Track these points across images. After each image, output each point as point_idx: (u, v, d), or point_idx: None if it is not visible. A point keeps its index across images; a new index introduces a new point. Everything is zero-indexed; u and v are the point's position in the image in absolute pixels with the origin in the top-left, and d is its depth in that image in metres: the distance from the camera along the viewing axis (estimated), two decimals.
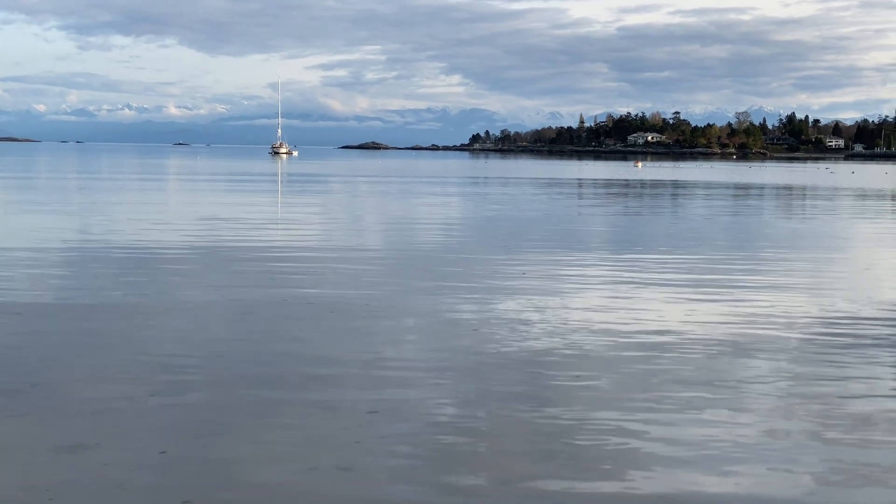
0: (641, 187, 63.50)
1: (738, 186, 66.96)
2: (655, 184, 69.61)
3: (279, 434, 7.97)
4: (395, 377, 9.87)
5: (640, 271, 18.46)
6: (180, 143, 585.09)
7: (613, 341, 11.78)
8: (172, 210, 34.43)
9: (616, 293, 15.67)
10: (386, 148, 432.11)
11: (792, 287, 16.84)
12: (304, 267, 18.33)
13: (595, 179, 77.46)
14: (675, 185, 68.21)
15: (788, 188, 66.63)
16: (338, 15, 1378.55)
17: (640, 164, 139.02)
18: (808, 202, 48.75)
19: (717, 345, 11.71)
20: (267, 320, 12.83)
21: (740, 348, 11.54)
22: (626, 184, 68.73)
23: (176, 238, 23.50)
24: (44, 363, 10.26)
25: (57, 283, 15.97)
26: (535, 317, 13.32)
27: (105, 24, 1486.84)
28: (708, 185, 67.39)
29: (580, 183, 70.21)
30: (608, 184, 68.59)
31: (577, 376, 10.04)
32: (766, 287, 16.70)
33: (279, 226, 28.65)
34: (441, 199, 46.53)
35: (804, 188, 66.48)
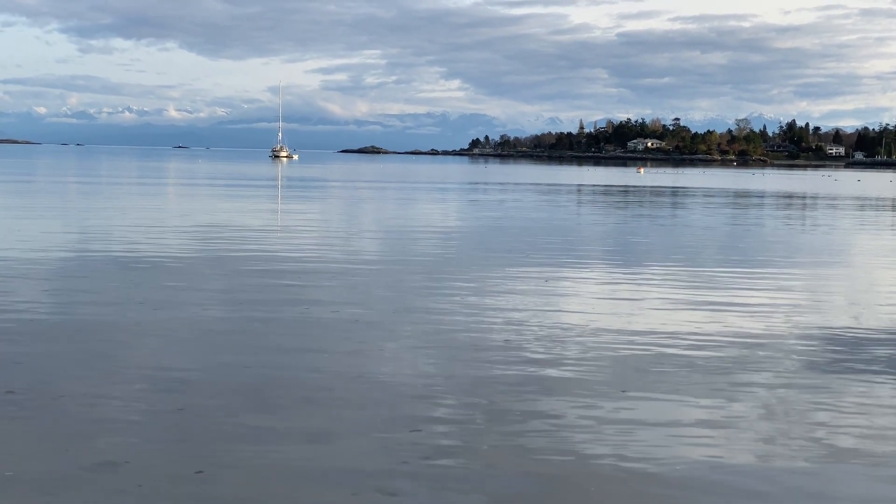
0: (651, 194, 63.29)
1: (749, 194, 66.75)
2: (664, 191, 69.42)
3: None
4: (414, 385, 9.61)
5: (663, 283, 18.20)
6: (180, 147, 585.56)
7: (617, 346, 11.53)
8: (172, 215, 34.16)
9: (635, 301, 15.42)
10: (385, 152, 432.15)
11: (819, 299, 16.60)
12: (311, 275, 18.08)
13: (600, 185, 77.23)
14: (686, 192, 68.00)
15: (807, 196, 66.42)
16: (338, 19, 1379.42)
17: (642, 170, 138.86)
18: (825, 212, 48.50)
19: (740, 360, 11.46)
20: (283, 331, 12.57)
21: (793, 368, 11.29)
22: (634, 190, 68.48)
23: (175, 244, 23.28)
24: (57, 374, 9.99)
25: (57, 292, 15.70)
26: (569, 327, 13.07)
27: (106, 27, 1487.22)
28: (722, 193, 67.17)
29: (586, 189, 69.97)
30: (614, 190, 68.35)
31: (624, 392, 9.78)
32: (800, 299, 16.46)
33: (282, 232, 28.37)
34: (445, 204, 46.33)
35: (816, 196, 66.25)
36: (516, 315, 14.03)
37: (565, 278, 18.46)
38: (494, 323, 13.37)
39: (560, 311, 14.58)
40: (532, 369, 10.65)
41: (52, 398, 9.11)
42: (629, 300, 15.81)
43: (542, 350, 11.66)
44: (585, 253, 23.56)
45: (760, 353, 11.85)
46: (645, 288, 17.27)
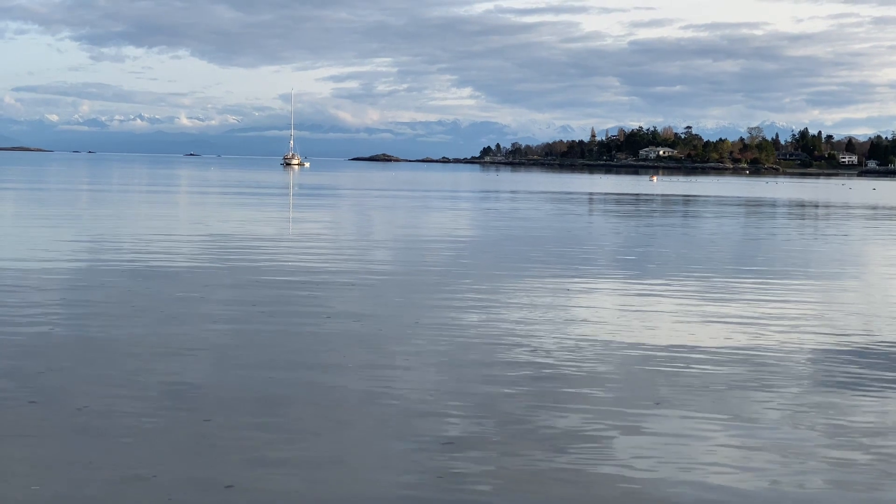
0: (666, 203, 63.02)
1: (766, 203, 66.41)
2: (679, 199, 69.14)
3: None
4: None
5: (683, 293, 18.00)
6: (191, 154, 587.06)
7: (628, 357, 11.35)
8: (186, 223, 34.09)
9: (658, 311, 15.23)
10: (396, 160, 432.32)
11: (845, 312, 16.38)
12: (327, 286, 17.94)
13: (614, 194, 76.93)
14: (701, 200, 67.70)
15: (825, 205, 66.08)
16: (349, 27, 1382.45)
17: (655, 179, 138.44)
18: (845, 221, 48.19)
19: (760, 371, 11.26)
20: (300, 343, 12.42)
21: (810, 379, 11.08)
22: (650, 199, 68.21)
23: (190, 253, 23.21)
24: (78, 386, 9.86)
25: (74, 303, 15.59)
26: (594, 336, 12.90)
27: (118, 34, 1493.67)
28: (738, 202, 66.87)
29: (601, 198, 69.72)
30: (629, 199, 68.07)
31: (658, 403, 9.59)
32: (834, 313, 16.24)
33: (296, 241, 28.24)
34: (459, 213, 46.20)
35: (833, 205, 65.87)
36: (533, 327, 13.86)
37: (584, 290, 18.28)
38: (512, 336, 13.19)
39: (579, 322, 14.41)
40: (550, 384, 10.48)
41: (75, 409, 8.98)
42: (647, 311, 15.63)
43: (560, 364, 11.48)
44: (604, 263, 23.38)
45: (781, 367, 11.65)
46: (664, 299, 17.08)
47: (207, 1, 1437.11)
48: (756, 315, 15.29)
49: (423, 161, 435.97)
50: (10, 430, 8.31)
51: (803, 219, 48.44)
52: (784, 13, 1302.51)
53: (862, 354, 12.33)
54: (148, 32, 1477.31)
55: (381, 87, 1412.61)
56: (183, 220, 35.06)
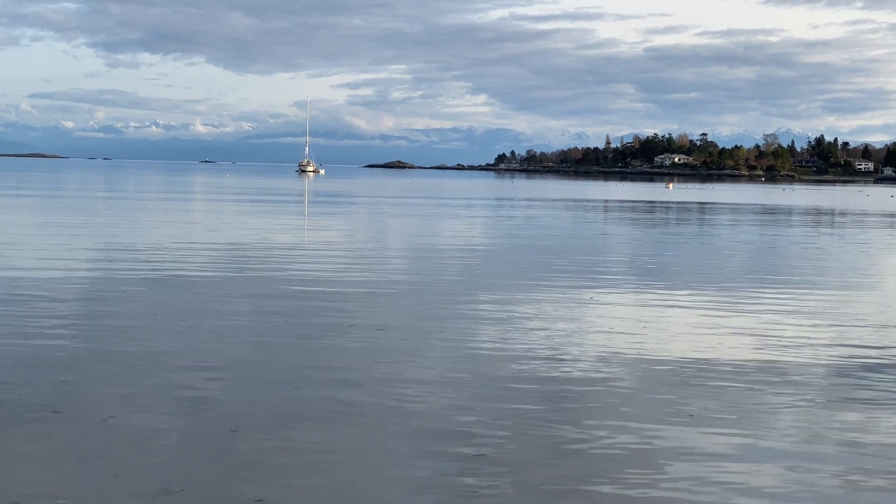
0: (684, 210, 62.73)
1: (786, 210, 66.01)
2: (698, 207, 68.82)
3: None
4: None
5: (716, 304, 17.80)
6: (206, 161, 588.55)
7: (643, 368, 11.18)
8: (203, 231, 34.05)
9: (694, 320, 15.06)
10: (411, 167, 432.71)
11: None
12: (346, 296, 17.83)
13: (631, 201, 76.57)
14: (718, 208, 67.35)
15: (843, 213, 65.65)
16: (364, 34, 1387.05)
17: (671, 186, 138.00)
18: (869, 230, 47.83)
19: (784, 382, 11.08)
20: (323, 355, 12.31)
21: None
22: (667, 206, 67.90)
23: (207, 262, 23.16)
24: (102, 396, 9.77)
25: (94, 314, 15.53)
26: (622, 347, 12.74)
27: (133, 41, 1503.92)
28: (757, 209, 66.51)
29: (618, 205, 69.45)
30: (646, 206, 67.75)
31: (691, 415, 9.43)
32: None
33: (312, 250, 28.15)
34: (475, 221, 46.08)
35: (851, 213, 65.43)
36: (557, 340, 13.72)
37: (606, 301, 18.10)
38: (536, 348, 13.04)
39: (602, 334, 14.26)
40: (575, 400, 10.34)
41: (100, 420, 8.88)
42: (669, 322, 15.46)
43: (585, 379, 11.34)
44: (625, 272, 23.18)
45: (806, 381, 11.47)
46: (686, 310, 16.91)
47: (223, 8, 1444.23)
48: (777, 326, 15.10)
49: (437, 168, 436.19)
50: (35, 441, 8.22)
51: (823, 227, 48.09)
52: (800, 20, 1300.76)
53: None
54: (163, 39, 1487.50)
55: (396, 94, 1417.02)
56: (201, 228, 35.04)
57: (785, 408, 9.93)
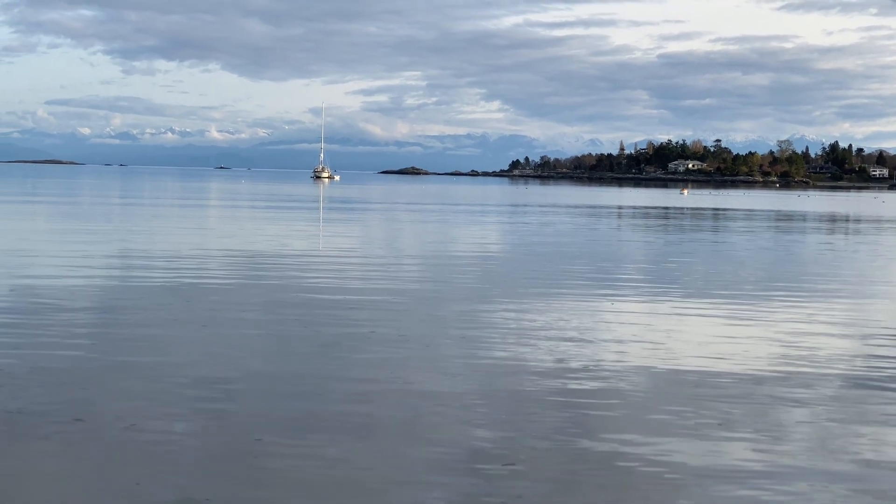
0: (700, 217, 62.51)
1: (803, 217, 65.70)
2: (714, 213, 68.57)
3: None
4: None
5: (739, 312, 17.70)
6: (221, 167, 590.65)
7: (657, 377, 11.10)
8: (219, 237, 34.08)
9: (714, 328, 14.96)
10: (426, 173, 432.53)
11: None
12: (364, 304, 17.79)
13: (646, 207, 76.34)
14: (734, 214, 67.07)
15: (859, 219, 65.28)
16: (379, 41, 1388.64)
17: (685, 192, 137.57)
18: (886, 237, 47.54)
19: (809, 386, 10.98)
20: (346, 366, 12.28)
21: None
22: (684, 213, 67.67)
23: (225, 270, 23.19)
24: (123, 404, 9.76)
25: (115, 322, 15.55)
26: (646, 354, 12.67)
27: (149, 48, 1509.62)
28: (775, 215, 66.20)
29: (633, 211, 69.26)
30: (661, 212, 67.53)
31: (721, 424, 9.35)
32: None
33: (329, 257, 28.14)
34: (491, 227, 46.03)
35: (868, 219, 65.06)
36: (581, 349, 13.64)
37: (624, 309, 18.02)
38: (553, 356, 12.97)
39: (625, 343, 14.16)
40: (602, 410, 10.26)
41: (121, 428, 8.87)
42: (686, 330, 15.37)
43: (610, 389, 11.26)
44: (643, 279, 23.06)
45: (833, 394, 11.37)
46: (706, 318, 16.80)
47: (238, 15, 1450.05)
48: (801, 336, 14.98)
49: (452, 174, 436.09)
50: (57, 450, 8.21)
51: (843, 233, 47.82)
52: (814, 26, 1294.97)
53: None
54: (179, 46, 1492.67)
55: (410, 101, 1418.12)
56: (218, 234, 35.08)
57: (805, 422, 9.84)
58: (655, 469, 8.07)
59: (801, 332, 15.06)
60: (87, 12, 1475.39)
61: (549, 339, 13.93)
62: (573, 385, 11.01)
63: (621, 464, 8.19)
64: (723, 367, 12.26)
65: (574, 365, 12.13)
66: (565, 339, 13.87)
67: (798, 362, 12.64)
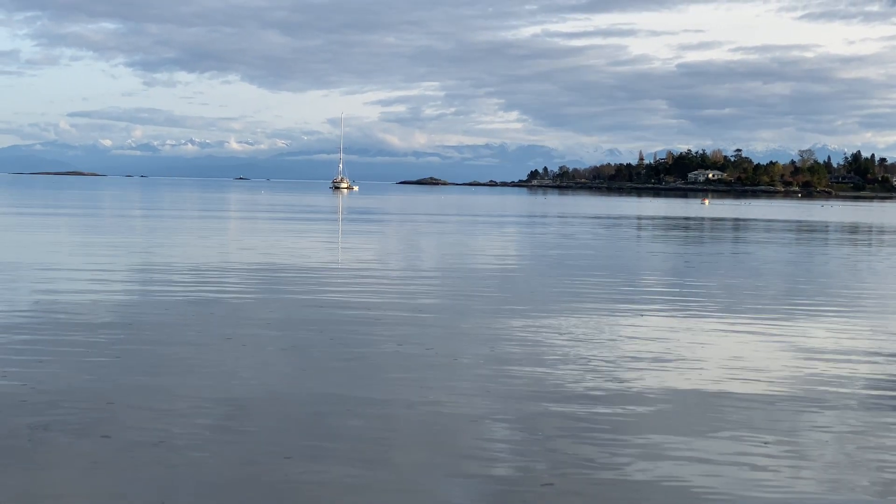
0: (724, 228, 62.17)
1: (821, 227, 65.23)
2: (735, 223, 68.20)
3: None
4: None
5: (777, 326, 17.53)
6: (241, 178, 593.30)
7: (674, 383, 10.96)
8: (239, 249, 34.12)
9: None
10: (444, 183, 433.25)
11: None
12: (385, 318, 17.72)
13: (667, 217, 75.94)
14: (755, 224, 66.67)
15: (883, 229, 64.77)
16: (397, 51, 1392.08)
17: (707, 201, 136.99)
18: None
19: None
20: (367, 380, 12.21)
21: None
22: (705, 224, 67.31)
23: (247, 281, 23.21)
24: (150, 422, 9.72)
25: (141, 340, 15.54)
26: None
27: (170, 60, 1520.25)
28: (800, 226, 65.77)
29: (654, 222, 68.93)
30: (682, 222, 67.19)
31: (767, 444, 9.22)
32: None
33: (349, 269, 28.08)
34: (510, 238, 45.92)
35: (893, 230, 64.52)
36: (601, 362, 13.53)
37: (649, 324, 17.88)
38: (581, 371, 12.87)
39: (647, 357, 14.04)
40: (627, 427, 10.15)
41: (149, 444, 8.82)
42: (712, 343, 15.22)
43: (637, 404, 11.14)
44: (665, 291, 22.88)
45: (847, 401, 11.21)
46: (735, 333, 16.65)
47: (257, 27, 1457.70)
48: (826, 349, 14.82)
49: (470, 184, 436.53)
50: (83, 465, 8.17)
51: (868, 245, 47.43)
52: (835, 35, 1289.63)
53: None
54: (199, 58, 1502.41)
55: (429, 111, 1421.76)
56: (238, 246, 35.14)
57: (832, 435, 9.70)
58: (687, 485, 7.96)
59: (828, 349, 14.90)
60: (108, 25, 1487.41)
61: (578, 357, 13.76)
62: (601, 408, 10.88)
63: (656, 488, 8.08)
64: (757, 388, 12.11)
65: (604, 384, 11.99)
66: (593, 357, 13.72)
67: (831, 381, 12.49)
